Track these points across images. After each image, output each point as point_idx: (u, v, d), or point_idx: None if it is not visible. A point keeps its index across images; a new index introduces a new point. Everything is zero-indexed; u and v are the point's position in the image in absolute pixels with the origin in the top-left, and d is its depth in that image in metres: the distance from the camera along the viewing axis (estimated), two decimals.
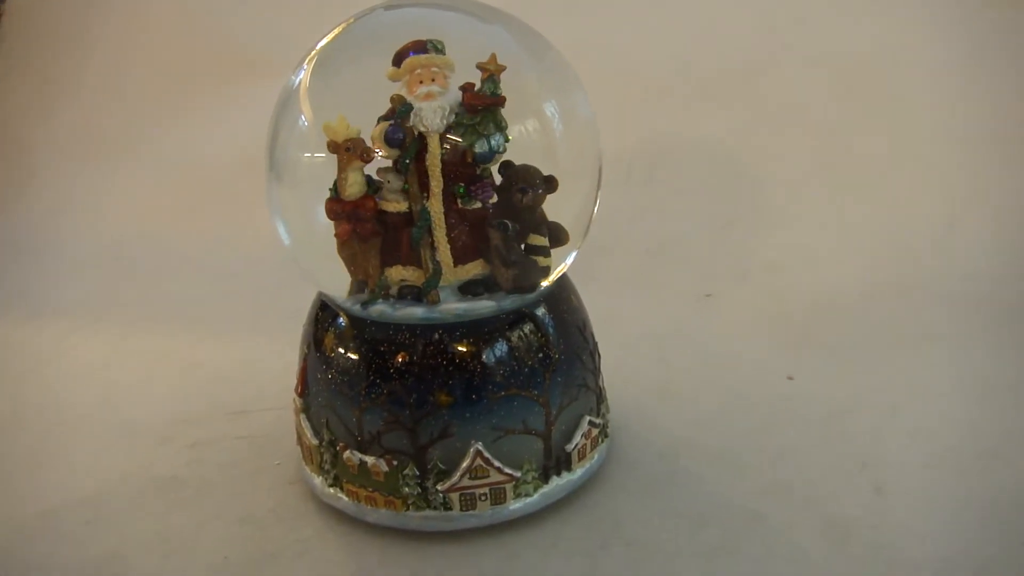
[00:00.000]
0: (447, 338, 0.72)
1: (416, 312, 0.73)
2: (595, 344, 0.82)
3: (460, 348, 0.72)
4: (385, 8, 0.80)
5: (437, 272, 0.73)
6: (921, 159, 1.31)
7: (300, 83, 0.77)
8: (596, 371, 0.81)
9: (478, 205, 0.73)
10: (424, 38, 0.72)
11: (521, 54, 0.77)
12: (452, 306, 0.74)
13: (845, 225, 1.28)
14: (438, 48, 0.72)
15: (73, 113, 1.66)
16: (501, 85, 0.71)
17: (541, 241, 0.74)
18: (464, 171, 0.73)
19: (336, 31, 0.79)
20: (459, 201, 0.73)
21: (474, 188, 0.72)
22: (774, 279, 1.22)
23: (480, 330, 0.73)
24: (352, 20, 0.79)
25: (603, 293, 0.87)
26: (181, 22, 1.63)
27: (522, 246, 0.74)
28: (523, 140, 0.74)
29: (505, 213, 0.73)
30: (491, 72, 0.71)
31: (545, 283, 0.77)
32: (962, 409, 0.90)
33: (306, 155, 0.77)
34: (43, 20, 1.70)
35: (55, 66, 1.68)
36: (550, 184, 0.73)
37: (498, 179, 0.74)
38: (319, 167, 0.75)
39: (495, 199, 0.73)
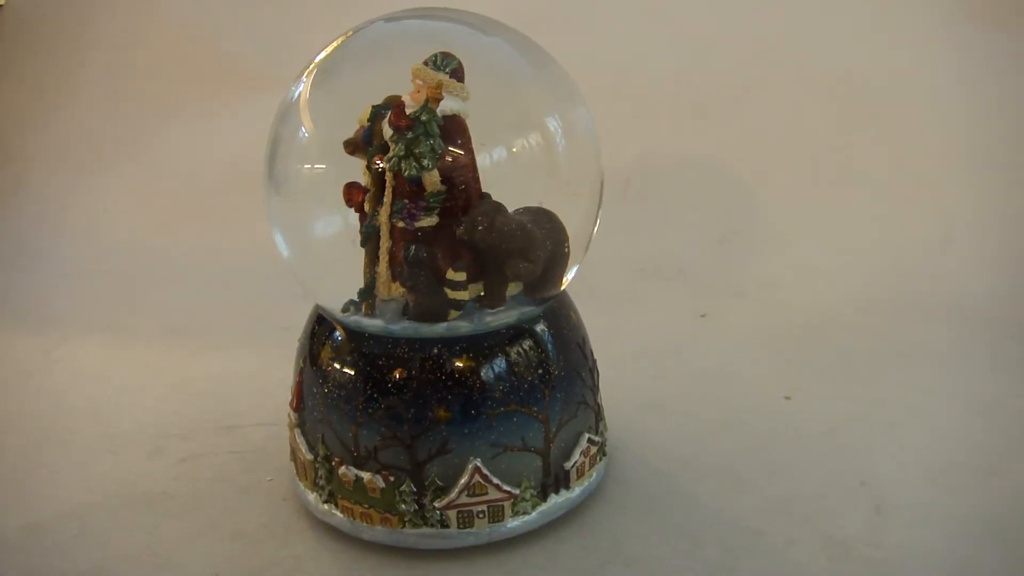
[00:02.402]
0: (446, 353, 0.71)
1: (415, 327, 0.72)
2: (594, 361, 0.81)
3: (459, 363, 0.71)
4: (385, 20, 0.80)
5: (371, 283, 0.73)
6: (916, 177, 1.32)
7: (300, 95, 0.77)
8: (595, 388, 0.80)
9: (401, 225, 0.72)
10: (439, 51, 0.71)
11: (523, 66, 0.77)
12: (353, 317, 0.74)
13: (841, 243, 1.29)
14: (437, 64, 0.71)
15: (67, 122, 1.64)
16: (457, 105, 0.71)
17: (454, 276, 0.72)
18: (413, 189, 0.72)
19: (335, 43, 0.78)
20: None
21: (406, 207, 0.71)
22: (770, 297, 1.23)
23: (479, 345, 0.72)
24: (351, 33, 0.79)
25: (598, 310, 0.86)
26: (177, 33, 1.63)
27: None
28: (524, 153, 0.74)
29: (447, 239, 0.72)
30: (428, 96, 0.70)
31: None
32: (960, 426, 0.90)
33: (306, 167, 0.77)
34: (38, 28, 1.69)
35: (49, 75, 1.67)
36: (489, 227, 0.70)
37: None
38: (318, 178, 0.74)
39: (425, 222, 0.71)
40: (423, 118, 0.70)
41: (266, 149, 0.78)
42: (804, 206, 1.33)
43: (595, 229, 0.80)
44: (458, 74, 0.71)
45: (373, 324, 0.74)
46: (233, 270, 1.38)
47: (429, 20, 0.80)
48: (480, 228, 0.70)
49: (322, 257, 0.75)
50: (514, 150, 0.73)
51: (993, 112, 1.30)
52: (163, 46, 1.62)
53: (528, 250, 0.72)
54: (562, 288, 0.79)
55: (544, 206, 0.75)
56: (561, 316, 0.78)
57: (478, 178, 0.73)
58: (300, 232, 0.78)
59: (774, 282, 1.25)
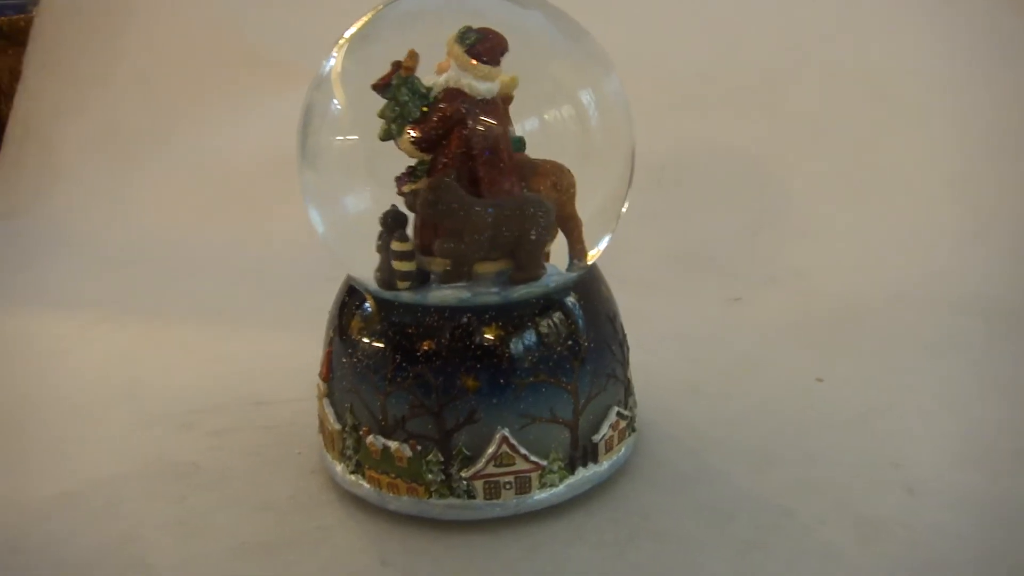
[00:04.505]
0: (475, 322, 0.71)
1: (445, 296, 0.73)
2: (624, 335, 0.81)
3: (488, 333, 0.71)
4: None
5: None
6: (945, 168, 1.31)
7: (332, 68, 0.77)
8: (625, 362, 0.80)
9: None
10: (465, 24, 0.71)
11: (557, 38, 0.77)
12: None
13: (870, 233, 1.28)
14: (461, 34, 0.71)
15: (100, 113, 1.67)
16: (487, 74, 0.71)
17: (397, 247, 0.73)
18: None
19: (366, 17, 0.78)
20: None
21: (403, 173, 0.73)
22: (801, 285, 1.22)
23: (509, 315, 0.72)
24: (381, 7, 0.79)
25: (632, 295, 0.86)
26: (208, 25, 1.65)
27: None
28: (557, 122, 0.73)
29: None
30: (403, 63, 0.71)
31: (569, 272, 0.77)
32: (990, 411, 0.89)
33: (338, 139, 0.77)
34: (73, 22, 1.72)
35: (83, 67, 1.70)
36: (424, 203, 0.71)
37: None
38: (350, 150, 0.75)
39: (407, 188, 0.73)
40: (393, 83, 0.71)
41: (299, 124, 0.78)
42: (836, 196, 1.32)
43: (626, 199, 0.80)
44: (475, 50, 0.70)
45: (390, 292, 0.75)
46: (262, 254, 1.39)
47: None
48: (419, 202, 0.71)
49: (355, 228, 0.75)
50: (546, 118, 0.73)
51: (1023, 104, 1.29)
52: (196, 38, 1.65)
53: (463, 231, 0.72)
54: (541, 274, 0.76)
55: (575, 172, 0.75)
56: (592, 289, 0.78)
57: (485, 156, 0.72)
58: (333, 203, 0.78)
59: (805, 270, 1.24)
